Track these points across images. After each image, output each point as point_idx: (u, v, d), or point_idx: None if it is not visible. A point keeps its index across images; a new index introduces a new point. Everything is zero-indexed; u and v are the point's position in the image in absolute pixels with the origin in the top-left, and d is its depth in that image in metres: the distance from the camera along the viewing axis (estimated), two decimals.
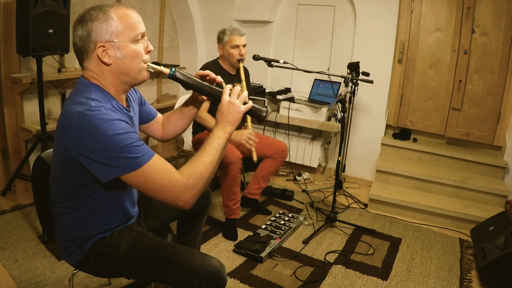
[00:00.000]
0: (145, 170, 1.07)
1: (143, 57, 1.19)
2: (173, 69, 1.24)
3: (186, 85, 1.26)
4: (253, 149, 2.42)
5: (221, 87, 1.28)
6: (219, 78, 1.31)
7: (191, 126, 3.00)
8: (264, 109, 1.27)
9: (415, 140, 3.56)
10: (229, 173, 2.44)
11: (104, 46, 1.13)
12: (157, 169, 1.09)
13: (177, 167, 1.13)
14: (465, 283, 2.23)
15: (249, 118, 2.44)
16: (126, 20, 1.15)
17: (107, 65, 1.15)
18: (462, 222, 2.88)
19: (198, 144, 2.65)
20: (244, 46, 2.68)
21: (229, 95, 1.22)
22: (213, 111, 2.54)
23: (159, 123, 1.55)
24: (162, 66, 1.25)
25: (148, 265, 1.26)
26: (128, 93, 1.31)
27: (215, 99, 1.26)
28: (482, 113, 3.36)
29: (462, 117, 3.43)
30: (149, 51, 1.22)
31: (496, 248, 2.24)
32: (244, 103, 1.24)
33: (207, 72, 1.32)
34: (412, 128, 3.65)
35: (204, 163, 1.14)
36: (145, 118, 1.51)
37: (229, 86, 1.25)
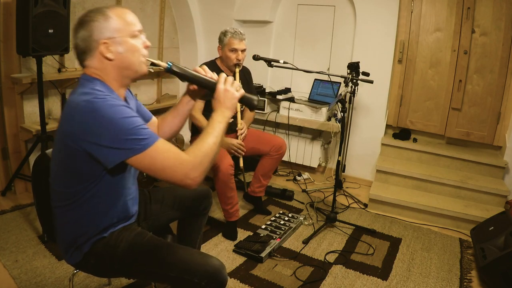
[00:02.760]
0: (153, 151, 1.11)
1: (142, 51, 1.27)
2: (169, 63, 1.33)
3: (183, 77, 1.36)
4: (241, 158, 2.55)
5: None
6: (214, 76, 1.37)
7: (189, 127, 3.02)
8: (255, 97, 1.38)
9: (415, 140, 3.56)
10: (221, 180, 2.43)
11: (106, 43, 1.20)
12: (164, 149, 1.13)
13: None
14: (465, 283, 2.23)
15: (239, 117, 2.59)
16: (124, 18, 1.23)
17: (110, 60, 1.21)
18: (462, 222, 2.88)
19: None
20: (243, 51, 2.64)
21: (224, 84, 1.31)
22: (206, 112, 2.55)
23: (154, 126, 1.57)
24: (159, 61, 1.33)
25: (147, 264, 1.26)
26: (126, 93, 1.35)
27: (210, 90, 1.35)
28: (482, 113, 3.36)
29: (462, 117, 3.43)
30: (146, 46, 1.29)
31: (496, 248, 2.24)
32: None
33: (204, 68, 1.40)
34: (412, 128, 3.65)
35: (208, 143, 1.19)
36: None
37: (223, 75, 1.34)
